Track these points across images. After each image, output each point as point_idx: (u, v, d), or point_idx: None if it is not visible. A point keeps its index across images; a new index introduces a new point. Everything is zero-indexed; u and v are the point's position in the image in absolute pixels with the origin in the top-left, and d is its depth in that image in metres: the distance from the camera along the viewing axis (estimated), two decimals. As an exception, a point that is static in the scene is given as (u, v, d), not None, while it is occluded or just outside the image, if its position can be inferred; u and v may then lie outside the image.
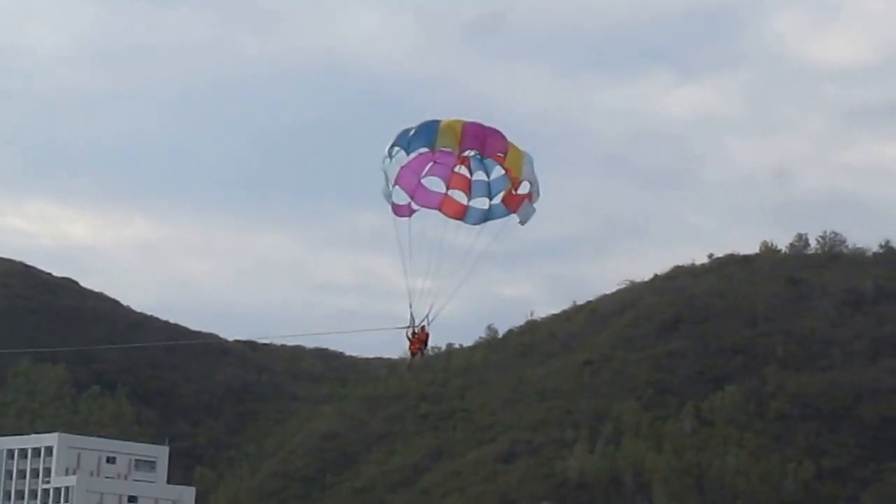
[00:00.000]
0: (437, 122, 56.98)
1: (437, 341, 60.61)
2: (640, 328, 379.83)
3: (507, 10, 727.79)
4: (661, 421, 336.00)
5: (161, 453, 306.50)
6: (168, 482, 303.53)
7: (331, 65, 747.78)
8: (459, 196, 58.07)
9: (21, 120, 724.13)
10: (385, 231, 57.60)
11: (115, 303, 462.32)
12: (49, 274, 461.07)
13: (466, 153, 57.52)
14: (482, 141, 56.79)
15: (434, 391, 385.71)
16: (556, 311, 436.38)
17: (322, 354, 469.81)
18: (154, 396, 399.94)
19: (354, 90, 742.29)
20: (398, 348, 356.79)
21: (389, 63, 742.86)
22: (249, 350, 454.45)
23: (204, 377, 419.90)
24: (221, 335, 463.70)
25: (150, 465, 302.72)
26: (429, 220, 58.30)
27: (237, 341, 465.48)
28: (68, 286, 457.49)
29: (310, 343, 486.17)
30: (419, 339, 59.84)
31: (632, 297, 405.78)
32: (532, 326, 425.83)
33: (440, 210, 58.02)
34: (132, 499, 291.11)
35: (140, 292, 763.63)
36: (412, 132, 56.82)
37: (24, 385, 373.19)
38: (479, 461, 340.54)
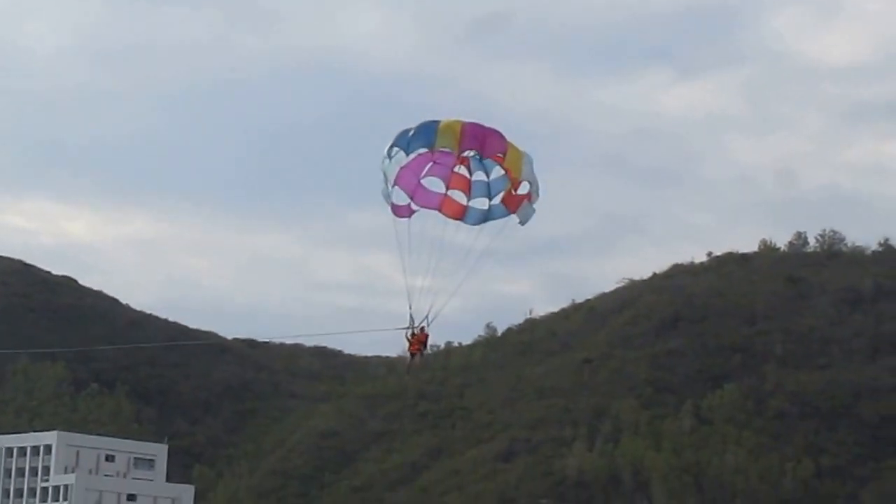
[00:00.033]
0: (437, 122, 56.92)
1: (435, 339, 60.53)
2: (638, 326, 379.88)
3: (507, 9, 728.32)
4: (659, 419, 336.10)
5: (160, 451, 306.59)
6: (167, 480, 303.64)
7: (331, 64, 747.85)
8: (459, 196, 58.01)
9: (21, 118, 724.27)
10: (384, 229, 57.57)
11: (115, 301, 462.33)
12: (48, 272, 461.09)
13: (466, 153, 57.46)
14: (481, 141, 56.73)
15: (433, 389, 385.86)
16: (555, 309, 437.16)
17: (321, 352, 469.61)
18: (153, 395, 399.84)
19: (354, 89, 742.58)
20: (397, 346, 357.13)
21: (389, 62, 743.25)
22: (248, 348, 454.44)
23: (203, 375, 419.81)
24: (220, 333, 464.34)
25: (149, 463, 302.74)
26: (428, 221, 58.24)
27: (236, 339, 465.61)
28: (67, 284, 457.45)
29: (308, 341, 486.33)
30: (419, 339, 59.74)
31: (631, 296, 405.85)
32: (531, 325, 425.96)
33: (440, 210, 57.95)
34: (131, 497, 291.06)
35: (139, 290, 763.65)
36: (411, 133, 56.77)
37: (23, 383, 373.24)
38: (478, 459, 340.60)
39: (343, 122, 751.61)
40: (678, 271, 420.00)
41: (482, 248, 58.52)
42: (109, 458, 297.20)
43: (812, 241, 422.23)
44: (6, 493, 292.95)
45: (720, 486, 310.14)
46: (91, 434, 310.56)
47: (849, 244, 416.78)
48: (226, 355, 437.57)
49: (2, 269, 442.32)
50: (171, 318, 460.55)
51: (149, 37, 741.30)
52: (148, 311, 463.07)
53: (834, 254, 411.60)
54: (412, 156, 56.92)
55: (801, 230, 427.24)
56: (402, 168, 56.99)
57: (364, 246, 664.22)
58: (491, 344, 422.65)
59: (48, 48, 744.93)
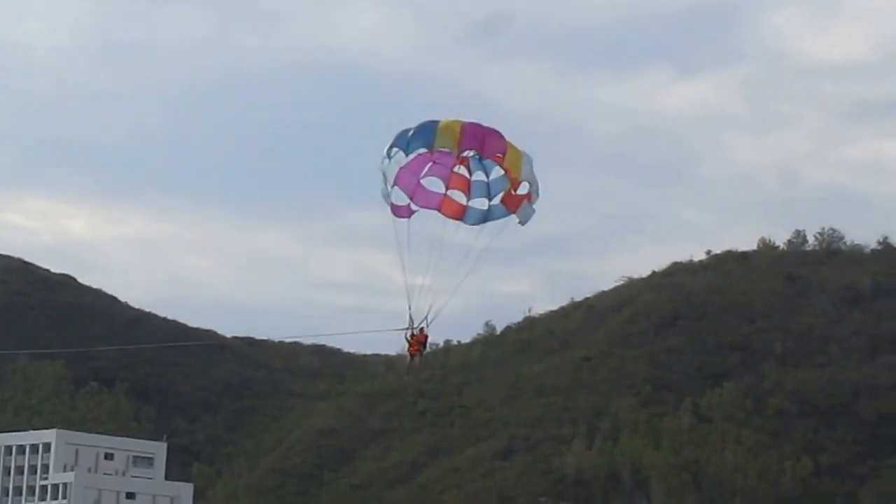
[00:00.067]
0: (436, 122, 56.87)
1: (434, 338, 60.43)
2: (638, 325, 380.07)
3: (507, 8, 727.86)
4: (658, 417, 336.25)
5: (159, 450, 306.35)
6: (166, 478, 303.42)
7: (331, 63, 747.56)
8: (459, 196, 57.96)
9: (20, 117, 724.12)
10: (384, 228, 57.52)
11: (114, 299, 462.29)
12: (47, 270, 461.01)
13: (465, 153, 57.41)
14: (481, 141, 56.70)
15: (432, 388, 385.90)
16: (555, 307, 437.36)
17: (320, 351, 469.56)
18: (152, 393, 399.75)
19: (354, 89, 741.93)
20: (396, 345, 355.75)
21: (389, 62, 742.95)
22: (247, 346, 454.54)
23: (202, 374, 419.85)
24: (220, 332, 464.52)
25: (148, 461, 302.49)
26: (428, 221, 58.23)
27: (235, 338, 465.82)
28: (67, 283, 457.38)
29: (307, 339, 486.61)
30: (418, 340, 59.67)
31: (630, 294, 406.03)
32: (530, 323, 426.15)
33: (439, 210, 57.90)
34: (130, 495, 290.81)
35: (139, 289, 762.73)
36: (411, 133, 56.74)
37: (23, 381, 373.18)
38: (477, 458, 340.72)
39: (343, 121, 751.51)
40: (677, 270, 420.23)
41: (482, 249, 58.53)
42: (108, 457, 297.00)
43: (811, 240, 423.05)
44: (5, 491, 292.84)
45: (719, 485, 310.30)
46: (90, 432, 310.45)
47: (848, 243, 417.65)
48: (225, 354, 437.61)
49: (1, 268, 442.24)
50: (170, 317, 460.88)
51: (148, 36, 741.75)
52: (147, 310, 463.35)
53: (833, 252, 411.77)
54: (412, 156, 56.89)
55: (800, 228, 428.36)
56: (401, 168, 56.94)
57: (364, 245, 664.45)
58: (490, 342, 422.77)
59: (48, 47, 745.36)
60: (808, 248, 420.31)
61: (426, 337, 59.73)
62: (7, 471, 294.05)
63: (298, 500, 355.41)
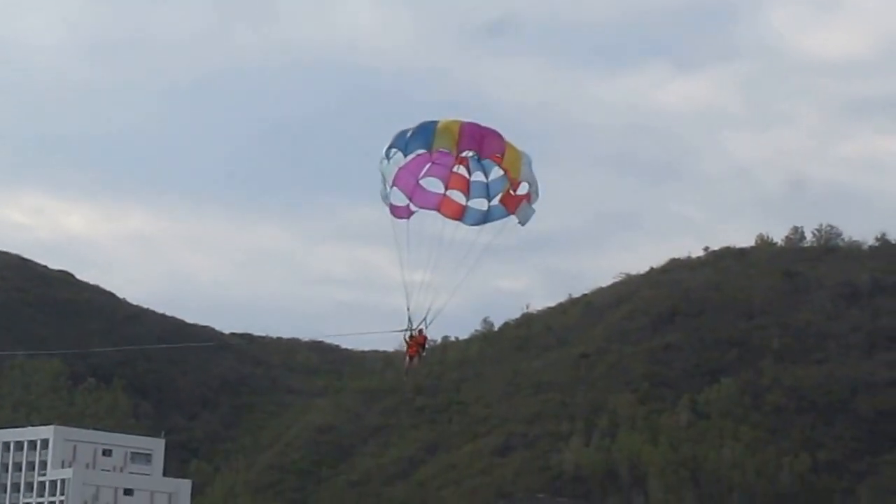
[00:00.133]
0: (435, 122, 56.85)
1: (432, 334, 60.35)
2: (635, 321, 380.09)
3: (506, 5, 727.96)
4: (656, 414, 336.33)
5: (157, 446, 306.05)
6: (164, 475, 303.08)
7: (329, 59, 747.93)
8: (458, 196, 57.93)
9: (17, 113, 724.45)
10: (382, 224, 57.52)
11: (112, 296, 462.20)
12: (45, 267, 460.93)
13: (464, 154, 57.40)
14: (479, 141, 56.66)
15: (430, 384, 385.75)
16: (552, 303, 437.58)
17: (318, 347, 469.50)
18: (150, 389, 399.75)
19: (353, 84, 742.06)
20: (394, 341, 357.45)
21: (387, 57, 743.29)
22: (246, 343, 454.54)
23: (200, 370, 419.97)
24: (218, 328, 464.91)
25: (147, 457, 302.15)
26: (427, 221, 58.20)
27: (233, 334, 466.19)
28: (64, 279, 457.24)
29: (305, 336, 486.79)
30: (417, 342, 59.67)
31: (628, 290, 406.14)
32: (528, 319, 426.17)
33: (439, 211, 57.87)
34: (128, 492, 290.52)
35: (137, 285, 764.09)
36: (409, 133, 56.71)
37: (21, 377, 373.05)
38: (475, 454, 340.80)
39: (341, 116, 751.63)
40: (675, 266, 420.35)
41: (480, 250, 58.51)
42: (106, 453, 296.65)
43: (809, 236, 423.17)
44: (3, 487, 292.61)
45: (717, 481, 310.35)
46: (88, 428, 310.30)
47: (846, 239, 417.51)
48: (223, 350, 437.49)
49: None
50: (168, 313, 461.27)
51: (145, 30, 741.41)
52: (145, 306, 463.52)
53: (831, 248, 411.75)
54: (410, 157, 56.87)
55: (798, 225, 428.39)
56: (400, 169, 56.91)
57: (362, 241, 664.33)
58: (488, 339, 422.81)
59: (44, 42, 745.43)
60: (806, 245, 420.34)
61: (425, 338, 59.71)
62: (5, 467, 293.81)
63: (296, 496, 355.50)
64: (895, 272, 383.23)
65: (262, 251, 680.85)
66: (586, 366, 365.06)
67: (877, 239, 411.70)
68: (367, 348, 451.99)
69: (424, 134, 56.33)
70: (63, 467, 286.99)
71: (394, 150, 56.89)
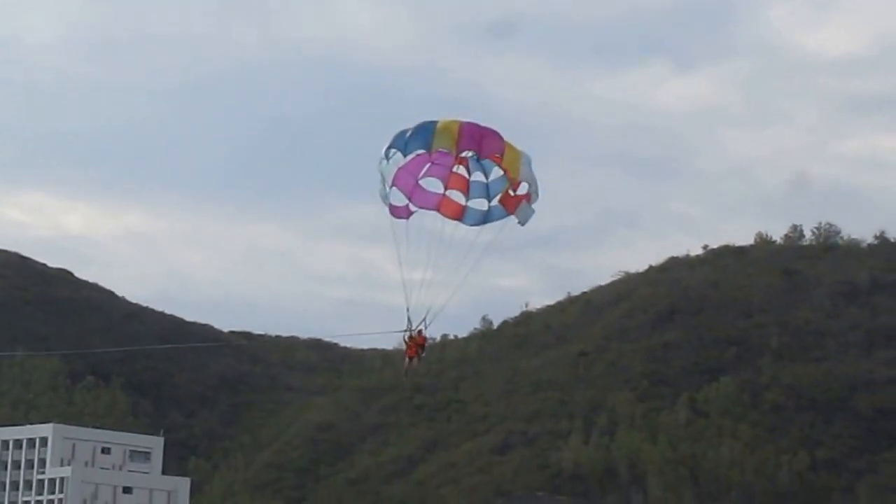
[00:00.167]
0: (434, 122, 56.77)
1: (431, 332, 60.30)
2: (634, 319, 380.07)
3: (505, 4, 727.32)
4: (655, 412, 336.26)
5: (156, 444, 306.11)
6: (163, 473, 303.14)
7: (328, 56, 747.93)
8: (457, 196, 57.88)
9: (17, 111, 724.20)
10: (381, 222, 57.49)
11: (111, 294, 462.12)
12: (44, 265, 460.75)
13: (464, 154, 57.34)
14: (479, 141, 56.59)
15: (429, 382, 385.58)
16: (551, 302, 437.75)
17: (317, 345, 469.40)
18: (149, 387, 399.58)
19: (351, 82, 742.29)
20: (393, 339, 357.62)
21: (387, 55, 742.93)
22: (244, 341, 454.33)
23: (199, 368, 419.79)
24: (216, 326, 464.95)
25: (145, 455, 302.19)
26: (426, 221, 58.15)
27: (232, 332, 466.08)
28: (63, 277, 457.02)
29: (304, 334, 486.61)
30: (416, 343, 59.60)
31: (626, 289, 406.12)
32: (527, 317, 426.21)
33: (438, 211, 57.82)
34: (127, 489, 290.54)
35: (135, 283, 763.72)
36: (409, 133, 56.65)
37: (20, 375, 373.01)
38: (474, 452, 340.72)
39: (340, 115, 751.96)
40: (674, 264, 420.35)
41: (480, 250, 58.48)
42: (105, 451, 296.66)
43: (808, 234, 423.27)
44: (2, 485, 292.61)
45: (716, 479, 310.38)
46: (87, 427, 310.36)
47: (845, 237, 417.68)
48: (222, 348, 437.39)
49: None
50: (167, 311, 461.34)
51: (144, 28, 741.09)
52: (144, 304, 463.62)
53: (830, 247, 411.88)
54: (410, 157, 56.81)
55: (797, 223, 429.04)
56: (399, 169, 56.87)
57: (361, 239, 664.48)
58: (487, 337, 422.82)
59: (44, 40, 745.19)
60: (805, 243, 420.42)
61: (424, 339, 59.65)
62: (4, 465, 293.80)
63: (295, 494, 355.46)
64: (894, 270, 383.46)
65: (262, 249, 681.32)
66: (585, 364, 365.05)
67: (876, 237, 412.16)
68: (365, 346, 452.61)
69: (424, 134, 56.28)
70: (62, 465, 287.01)
71: (393, 150, 56.84)
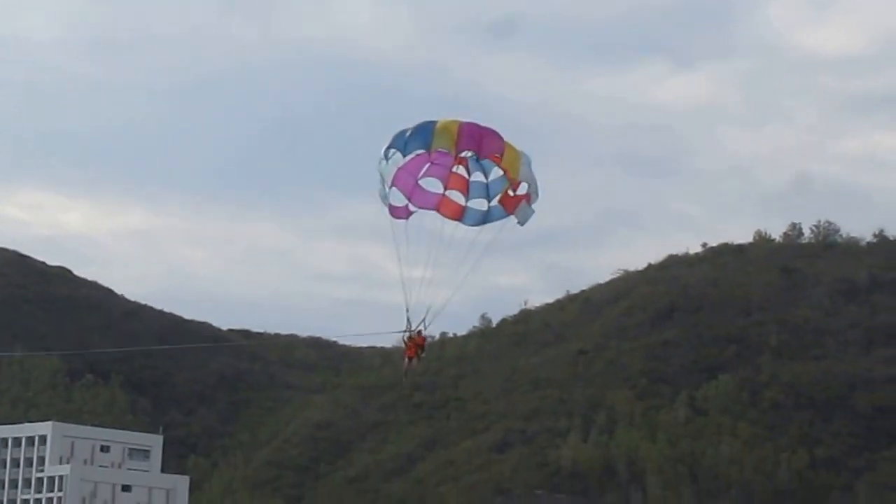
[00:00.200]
0: (433, 122, 56.68)
1: (431, 330, 60.20)
2: (633, 317, 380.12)
3: (505, 3, 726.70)
4: (654, 410, 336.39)
5: (155, 442, 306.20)
6: (162, 471, 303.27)
7: (326, 54, 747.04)
8: (457, 196, 57.80)
9: (16, 109, 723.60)
10: (381, 221, 57.42)
11: (110, 292, 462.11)
12: (43, 263, 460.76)
13: (463, 154, 57.25)
14: (478, 141, 56.51)
15: (428, 380, 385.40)
16: (550, 300, 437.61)
17: (316, 343, 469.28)
18: (148, 385, 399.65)
19: (351, 80, 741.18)
20: (392, 338, 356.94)
21: (385, 54, 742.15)
22: (243, 339, 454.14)
23: (198, 366, 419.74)
24: (216, 324, 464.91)
25: (144, 453, 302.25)
26: (426, 221, 58.10)
27: (231, 330, 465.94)
28: (62, 275, 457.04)
29: (303, 332, 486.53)
30: (416, 343, 59.53)
31: (626, 287, 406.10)
32: (526, 315, 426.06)
33: (438, 211, 57.73)
34: (126, 488, 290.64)
35: (135, 282, 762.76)
36: (408, 133, 56.57)
37: (19, 374, 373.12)
38: (473, 450, 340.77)
39: (340, 114, 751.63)
40: (673, 262, 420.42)
41: (480, 250, 58.41)
42: (104, 449, 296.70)
43: (807, 232, 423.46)
44: (1, 483, 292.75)
45: (715, 477, 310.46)
46: (86, 425, 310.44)
47: (844, 235, 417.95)
48: (221, 346, 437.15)
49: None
50: (166, 310, 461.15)
51: (144, 29, 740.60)
52: (143, 302, 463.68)
53: (829, 245, 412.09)
54: (409, 157, 56.73)
55: (796, 221, 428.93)
56: (399, 169, 56.77)
57: (361, 237, 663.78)
58: (486, 335, 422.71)
59: (42, 38, 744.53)
60: (804, 241, 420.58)
61: (424, 340, 59.55)
62: (3, 463, 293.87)
63: (294, 492, 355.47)
64: (893, 269, 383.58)
65: (261, 247, 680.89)
66: (584, 362, 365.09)
67: (875, 235, 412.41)
68: (364, 345, 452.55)
69: (423, 134, 56.21)
70: (61, 463, 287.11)
71: (392, 150, 56.77)
